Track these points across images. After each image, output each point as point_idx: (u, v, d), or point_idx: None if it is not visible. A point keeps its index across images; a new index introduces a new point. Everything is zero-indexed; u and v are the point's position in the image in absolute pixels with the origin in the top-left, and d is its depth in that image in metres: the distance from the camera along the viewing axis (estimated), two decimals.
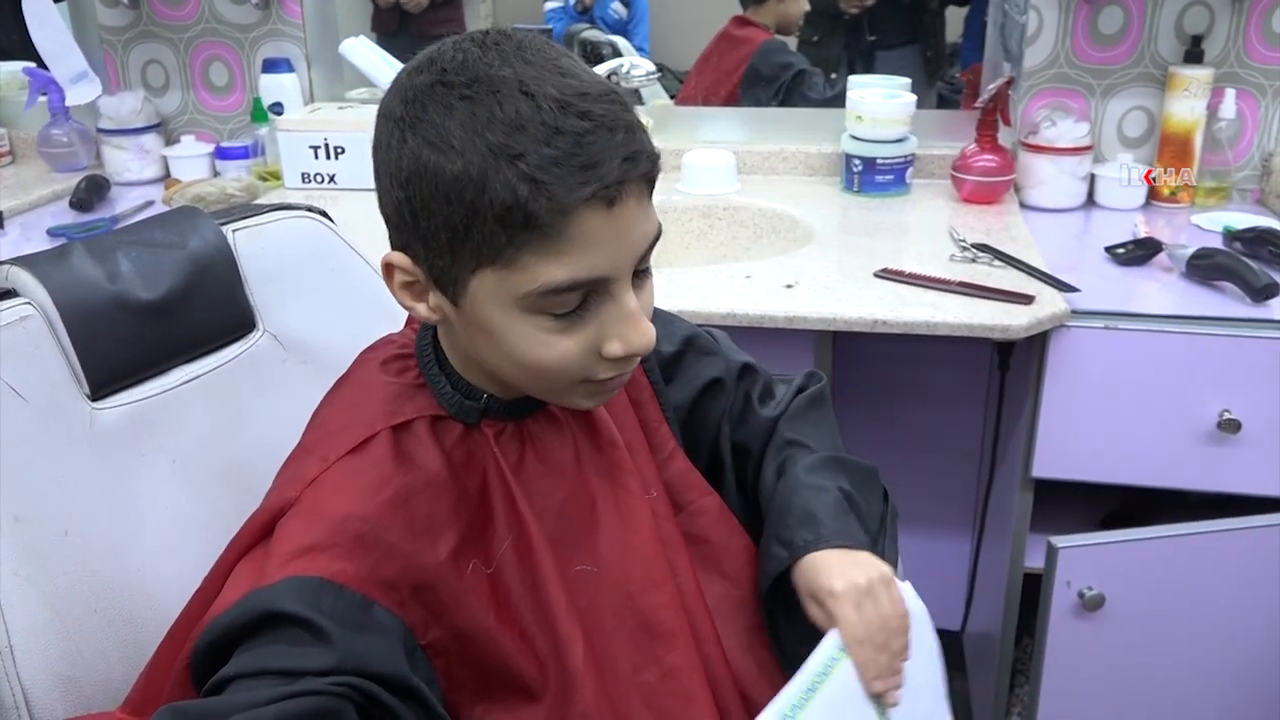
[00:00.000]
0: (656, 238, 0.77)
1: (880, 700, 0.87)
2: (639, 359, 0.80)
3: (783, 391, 1.05)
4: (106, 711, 0.81)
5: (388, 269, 0.78)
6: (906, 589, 0.92)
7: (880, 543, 0.98)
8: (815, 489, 0.94)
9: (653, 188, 0.76)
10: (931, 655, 0.94)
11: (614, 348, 0.76)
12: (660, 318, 1.01)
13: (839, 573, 0.87)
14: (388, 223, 0.77)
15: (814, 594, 0.88)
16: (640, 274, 0.78)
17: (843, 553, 0.89)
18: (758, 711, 0.90)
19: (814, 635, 0.88)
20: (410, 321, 0.91)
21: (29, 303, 0.85)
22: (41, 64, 2.10)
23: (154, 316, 0.90)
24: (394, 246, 0.77)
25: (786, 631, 0.93)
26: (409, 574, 0.77)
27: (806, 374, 1.07)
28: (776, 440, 1.00)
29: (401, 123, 0.72)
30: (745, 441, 1.02)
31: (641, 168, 0.72)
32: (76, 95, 2.11)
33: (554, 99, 0.69)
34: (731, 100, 2.78)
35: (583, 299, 0.74)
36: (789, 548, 0.90)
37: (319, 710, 0.68)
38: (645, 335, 0.76)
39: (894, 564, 0.99)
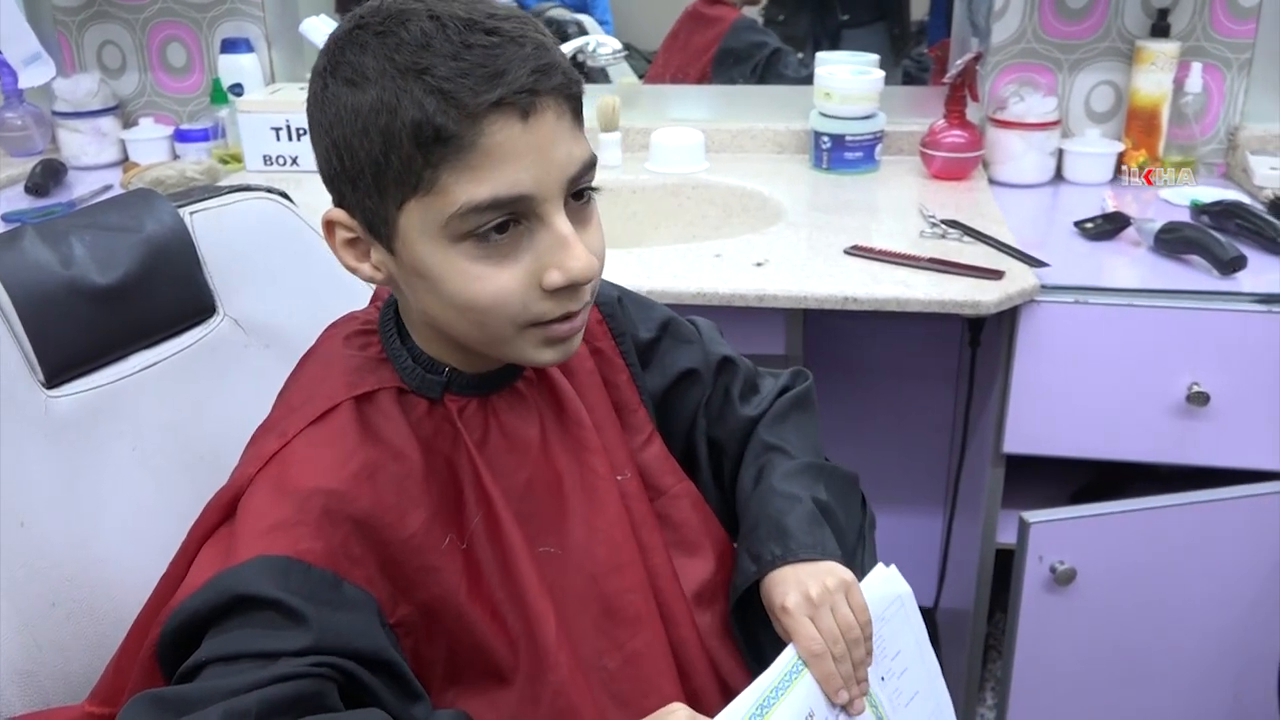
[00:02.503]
0: (591, 165, 0.76)
1: (847, 710, 0.85)
2: (586, 296, 0.77)
3: (768, 387, 1.03)
4: (70, 705, 0.80)
5: (328, 227, 0.78)
6: (891, 572, 0.92)
7: (858, 555, 0.97)
8: (789, 499, 0.92)
9: (577, 110, 0.75)
10: (920, 637, 0.93)
11: (553, 277, 0.74)
12: (638, 302, 1.00)
13: (794, 587, 0.86)
14: (325, 181, 0.77)
15: (771, 611, 0.88)
16: (580, 204, 0.76)
17: (807, 565, 0.87)
18: (733, 695, 0.90)
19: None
20: (375, 299, 0.90)
21: None
22: None
23: (110, 301, 0.88)
24: (333, 205, 0.78)
25: (767, 640, 0.91)
26: (377, 548, 0.76)
27: (793, 372, 1.06)
28: (755, 444, 0.99)
29: (324, 73, 0.74)
30: (722, 439, 1.01)
31: (554, 80, 0.72)
32: (30, 77, 2.05)
33: (460, 19, 0.70)
34: (704, 80, 2.76)
35: (511, 222, 0.72)
36: (757, 561, 0.89)
37: (301, 694, 0.68)
38: (582, 259, 0.74)
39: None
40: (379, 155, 0.71)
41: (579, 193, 0.76)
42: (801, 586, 0.86)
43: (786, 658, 0.84)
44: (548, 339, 0.77)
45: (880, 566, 0.92)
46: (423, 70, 0.69)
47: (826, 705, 0.84)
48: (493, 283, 0.73)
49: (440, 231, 0.72)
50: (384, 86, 0.69)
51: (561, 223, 0.74)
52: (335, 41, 0.74)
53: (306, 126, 0.77)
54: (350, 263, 0.79)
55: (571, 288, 0.75)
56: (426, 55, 0.69)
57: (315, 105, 0.75)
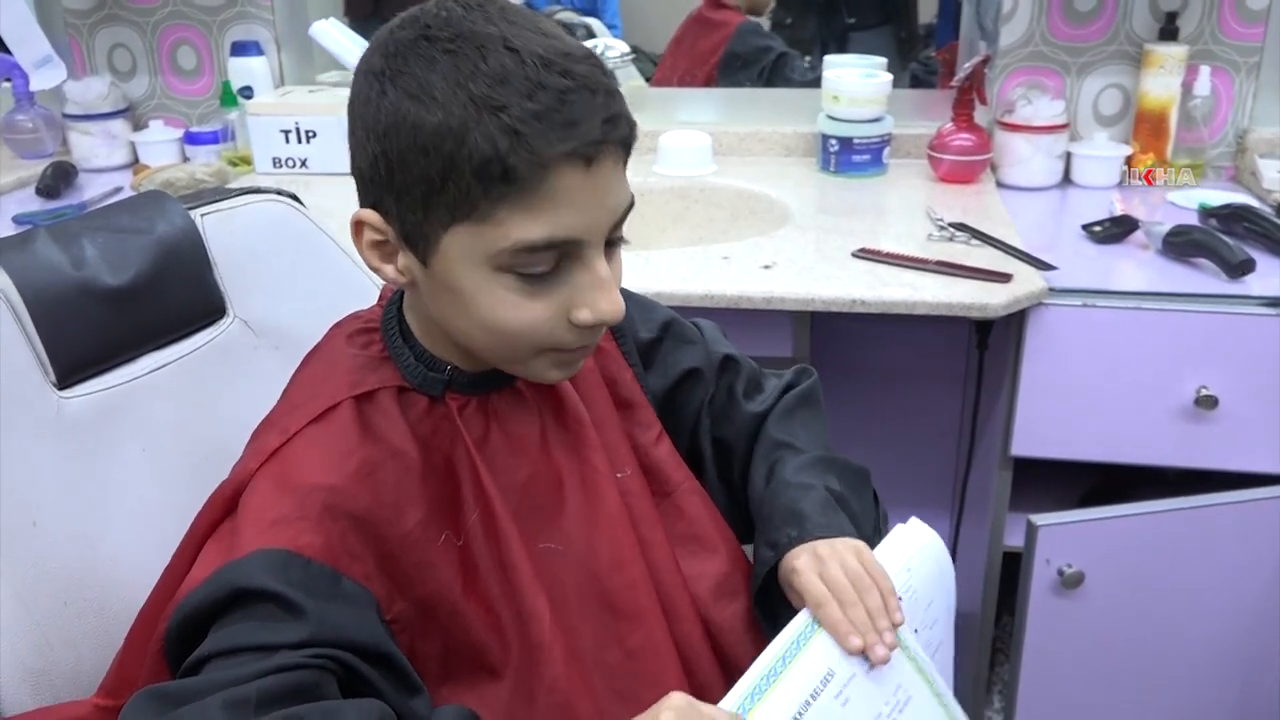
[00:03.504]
0: (629, 208, 0.77)
1: (868, 657, 0.81)
2: (605, 329, 0.79)
3: (772, 385, 1.04)
4: (80, 699, 0.80)
5: (357, 226, 0.77)
6: (913, 524, 0.91)
7: (870, 544, 0.95)
8: (801, 487, 0.92)
9: (629, 155, 0.76)
10: (949, 585, 0.92)
11: (583, 315, 0.76)
12: (639, 303, 1.00)
13: (802, 560, 0.85)
14: (360, 180, 0.76)
15: (786, 585, 0.87)
16: (611, 244, 0.77)
17: (824, 542, 0.86)
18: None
19: None
20: (380, 298, 0.90)
21: None
22: (4, 48, 2.06)
23: (121, 303, 0.89)
24: (364, 205, 0.77)
25: None
26: (376, 544, 0.77)
27: (797, 369, 1.06)
28: (765, 441, 0.98)
29: (382, 76, 0.72)
30: (728, 437, 1.01)
31: (620, 131, 0.73)
32: (41, 80, 2.06)
33: (538, 55, 0.69)
34: (710, 84, 2.76)
35: (555, 262, 0.74)
36: (774, 547, 0.88)
37: (299, 685, 0.68)
38: (615, 304, 0.76)
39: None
40: (435, 177, 0.70)
41: (614, 239, 0.78)
42: (815, 550, 0.85)
43: (798, 623, 0.82)
44: (559, 361, 0.80)
45: (900, 524, 0.91)
46: (499, 107, 0.68)
47: (848, 661, 0.80)
48: (526, 312, 0.75)
49: (484, 260, 0.73)
50: (453, 112, 0.69)
51: (601, 265, 0.75)
52: (396, 46, 0.72)
53: (347, 124, 0.76)
54: (374, 263, 0.78)
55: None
56: (503, 91, 0.68)
57: (366, 106, 0.73)
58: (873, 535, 0.95)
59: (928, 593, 0.90)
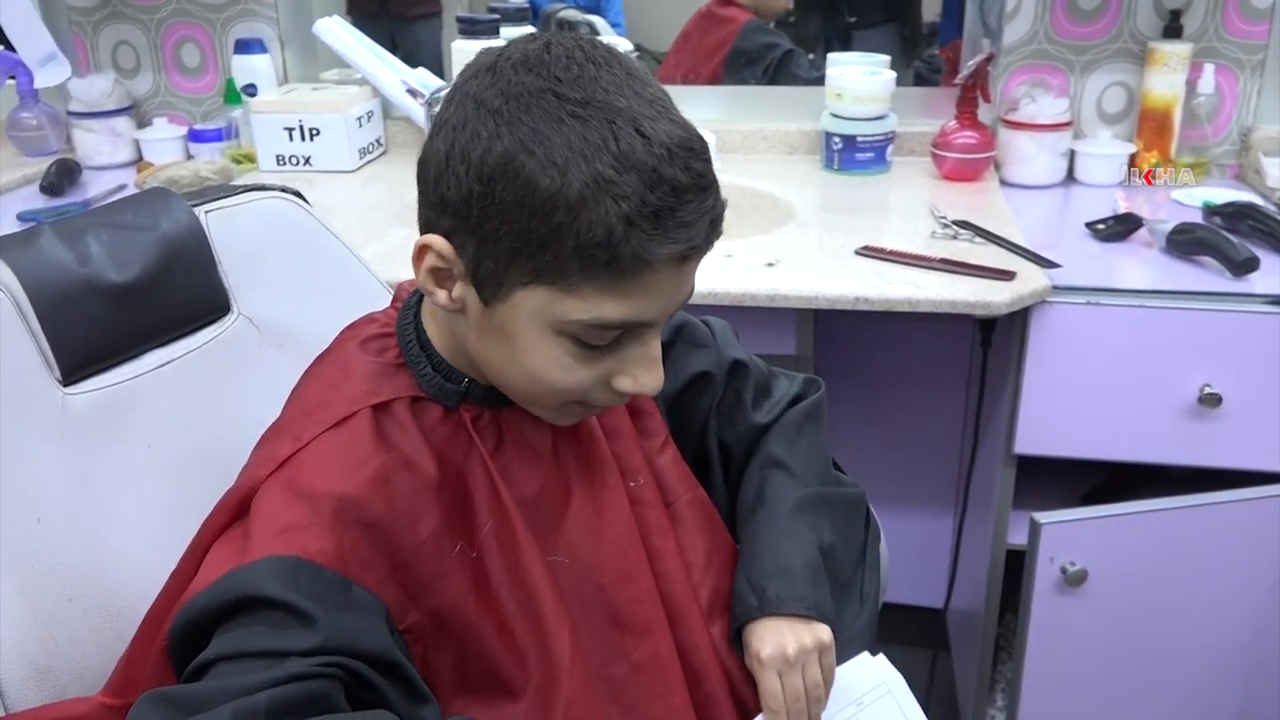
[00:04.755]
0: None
1: None
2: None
3: (781, 390, 1.04)
4: (86, 696, 0.80)
5: (422, 250, 0.75)
6: (878, 660, 0.95)
7: (858, 576, 1.00)
8: (797, 538, 0.94)
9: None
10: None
11: (626, 384, 0.77)
12: None
13: (773, 640, 0.89)
14: (440, 205, 0.73)
15: (747, 651, 0.91)
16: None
17: (798, 621, 0.90)
18: (746, 704, 0.91)
19: None
20: (394, 300, 0.90)
21: None
22: (9, 46, 2.06)
23: (126, 299, 0.89)
24: (431, 228, 0.75)
25: None
26: (388, 553, 0.77)
27: (805, 380, 1.06)
28: (762, 454, 0.99)
29: (499, 116, 0.69)
30: (731, 443, 1.02)
31: (718, 232, 0.74)
32: (45, 78, 2.07)
33: (665, 145, 0.69)
34: (715, 81, 2.75)
35: (617, 336, 0.75)
36: (760, 597, 0.91)
37: (310, 695, 0.68)
38: (658, 380, 0.78)
39: (875, 594, 1.01)
40: (533, 239, 0.69)
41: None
42: (781, 641, 0.89)
43: None
44: (579, 413, 0.83)
45: (866, 655, 0.95)
46: (621, 195, 0.67)
47: None
48: (574, 374, 0.76)
49: (552, 322, 0.73)
50: (571, 184, 0.67)
51: (655, 346, 0.77)
52: (519, 90, 0.69)
53: (437, 144, 0.72)
54: (429, 287, 0.76)
55: None
56: (627, 176, 0.67)
57: (473, 141, 0.70)
58: (856, 566, 1.00)
59: None
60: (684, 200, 0.69)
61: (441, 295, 0.76)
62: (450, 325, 0.81)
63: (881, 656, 0.95)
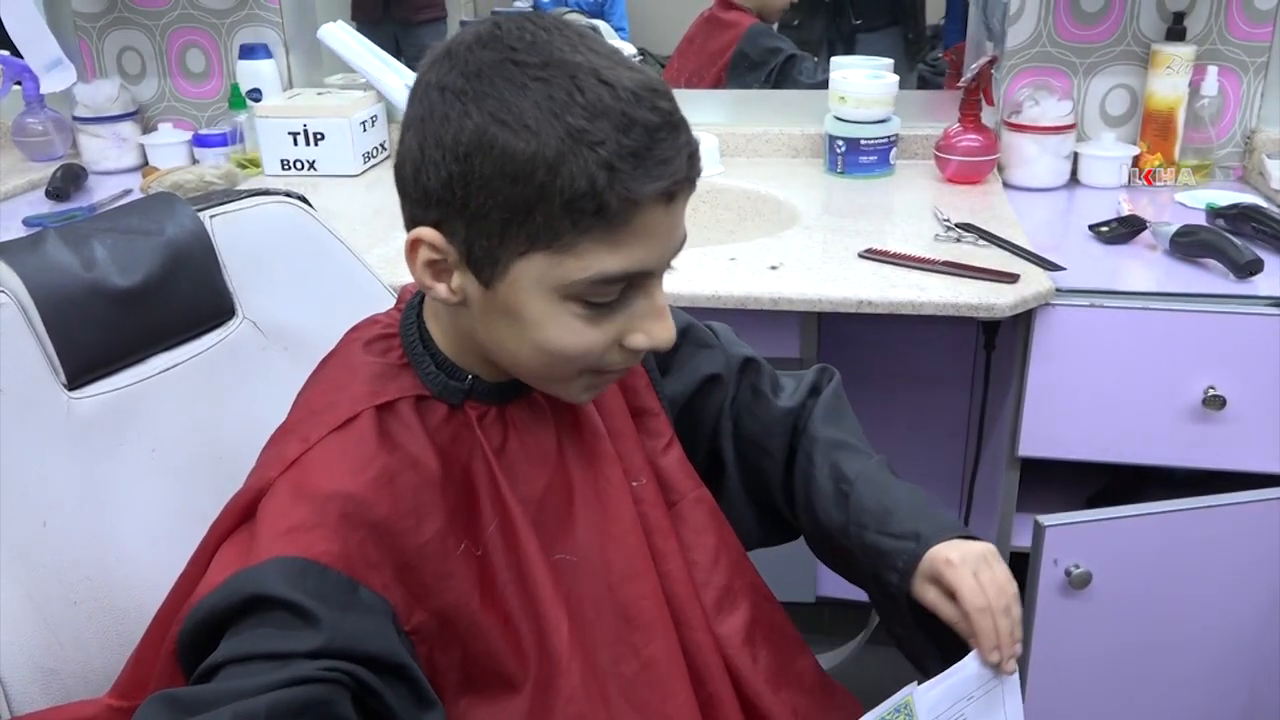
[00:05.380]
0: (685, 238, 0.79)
1: (998, 670, 0.86)
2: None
3: (792, 385, 1.04)
4: (92, 699, 0.81)
5: (414, 245, 0.75)
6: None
7: None
8: (906, 488, 0.95)
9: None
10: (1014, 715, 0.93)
11: (639, 339, 0.77)
12: None
13: (954, 548, 0.88)
14: (422, 197, 0.74)
15: (933, 569, 0.88)
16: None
17: (969, 543, 0.89)
18: (749, 703, 0.90)
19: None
20: (398, 301, 0.90)
21: (2, 291, 0.84)
22: (15, 52, 2.07)
23: (131, 304, 0.89)
24: (419, 221, 0.75)
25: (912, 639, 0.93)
26: (394, 553, 0.77)
27: (818, 369, 1.06)
28: (819, 439, 0.99)
29: (463, 95, 0.70)
30: (758, 434, 1.01)
31: (696, 168, 0.74)
32: (51, 83, 2.07)
33: (630, 89, 0.69)
34: (718, 85, 2.76)
35: (621, 291, 0.75)
36: (915, 539, 0.90)
37: (311, 700, 0.68)
38: (670, 331, 0.78)
39: None
40: (520, 205, 0.70)
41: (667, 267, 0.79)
42: (963, 548, 0.88)
43: (895, 698, 0.85)
44: (594, 384, 0.82)
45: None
46: (596, 142, 0.68)
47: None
48: (585, 337, 0.75)
49: (556, 288, 0.73)
50: (547, 143, 0.68)
51: (660, 294, 0.77)
52: (479, 65, 0.70)
53: (412, 136, 0.73)
54: (426, 281, 0.77)
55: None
56: (600, 125, 0.68)
57: (444, 125, 0.71)
58: None
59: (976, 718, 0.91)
60: (658, 138, 0.70)
61: (441, 289, 0.77)
62: (454, 321, 0.81)
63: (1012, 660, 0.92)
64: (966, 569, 0.86)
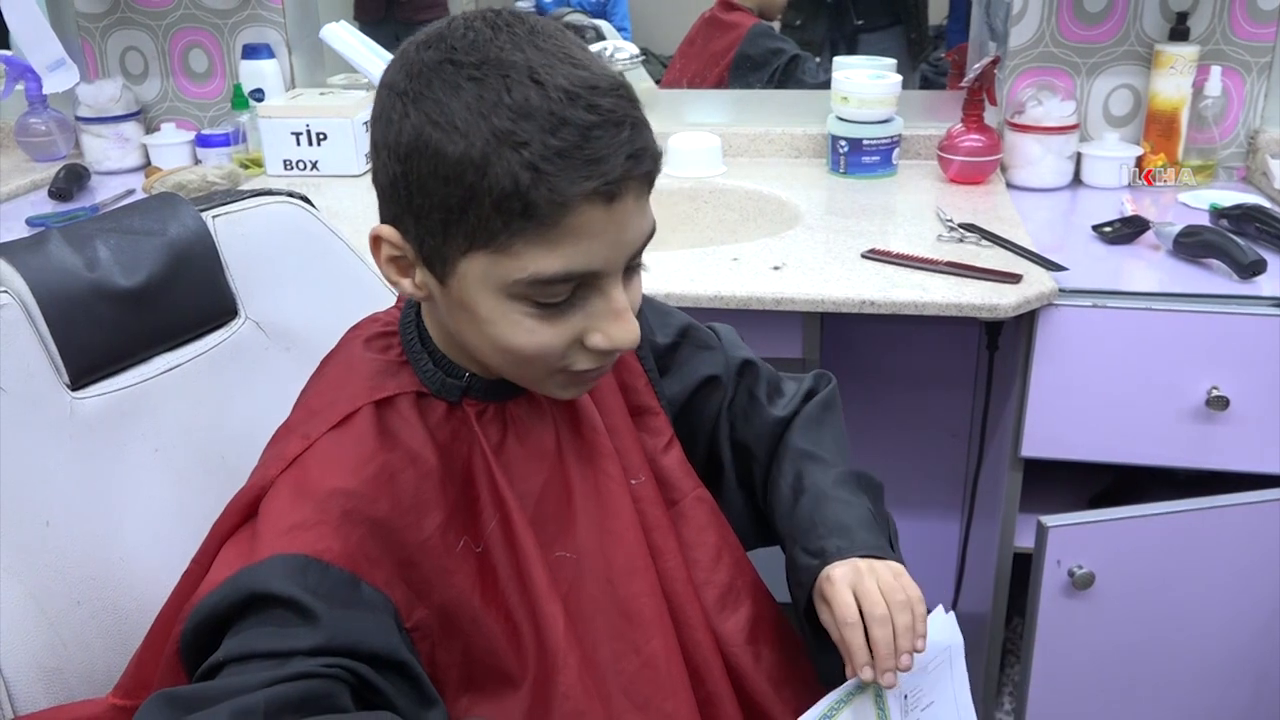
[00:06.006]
0: (650, 235, 0.77)
1: (879, 681, 0.83)
2: (619, 354, 0.79)
3: (792, 390, 1.03)
4: (95, 698, 0.81)
5: (375, 241, 0.77)
6: (949, 619, 0.91)
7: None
8: (844, 502, 0.92)
9: (652, 186, 0.75)
10: (961, 693, 0.92)
11: (597, 340, 0.76)
12: (656, 308, 1.00)
13: (844, 568, 0.85)
14: (381, 194, 0.76)
15: (819, 587, 0.87)
16: (630, 269, 0.78)
17: (864, 560, 0.87)
18: (751, 702, 0.90)
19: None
20: (399, 301, 0.90)
21: (6, 291, 0.84)
22: (18, 52, 2.07)
23: (134, 304, 0.89)
24: (384, 219, 0.77)
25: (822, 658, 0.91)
26: (395, 550, 0.77)
27: (816, 374, 1.06)
28: (791, 449, 0.98)
29: (405, 96, 0.71)
30: (749, 441, 1.01)
31: (644, 166, 0.72)
32: (54, 83, 2.07)
33: (563, 89, 0.68)
34: (721, 86, 2.76)
35: (571, 291, 0.74)
36: (820, 556, 0.88)
37: (310, 694, 0.68)
38: (630, 332, 0.76)
39: None
40: (455, 206, 0.70)
41: (633, 265, 0.78)
42: (854, 565, 0.85)
43: (848, 685, 0.84)
44: (572, 382, 0.80)
45: (938, 611, 0.91)
46: (521, 143, 0.67)
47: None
48: (538, 337, 0.75)
49: (500, 287, 0.73)
50: (474, 144, 0.68)
51: (617, 295, 0.75)
52: (421, 67, 0.71)
53: (370, 141, 0.76)
54: (393, 277, 0.78)
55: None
56: (526, 126, 0.68)
57: (388, 126, 0.72)
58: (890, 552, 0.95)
59: (931, 693, 0.90)
60: (591, 137, 0.68)
61: (406, 284, 0.78)
62: (436, 316, 0.82)
63: (951, 615, 0.91)
64: (844, 584, 0.84)
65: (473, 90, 0.69)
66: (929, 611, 0.88)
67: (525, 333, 0.74)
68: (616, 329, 0.75)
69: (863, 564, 0.86)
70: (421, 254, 0.75)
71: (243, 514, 0.78)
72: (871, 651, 0.83)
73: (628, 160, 0.70)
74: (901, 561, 0.89)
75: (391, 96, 0.72)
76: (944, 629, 0.90)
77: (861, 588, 0.84)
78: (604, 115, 0.69)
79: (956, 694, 0.92)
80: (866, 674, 0.82)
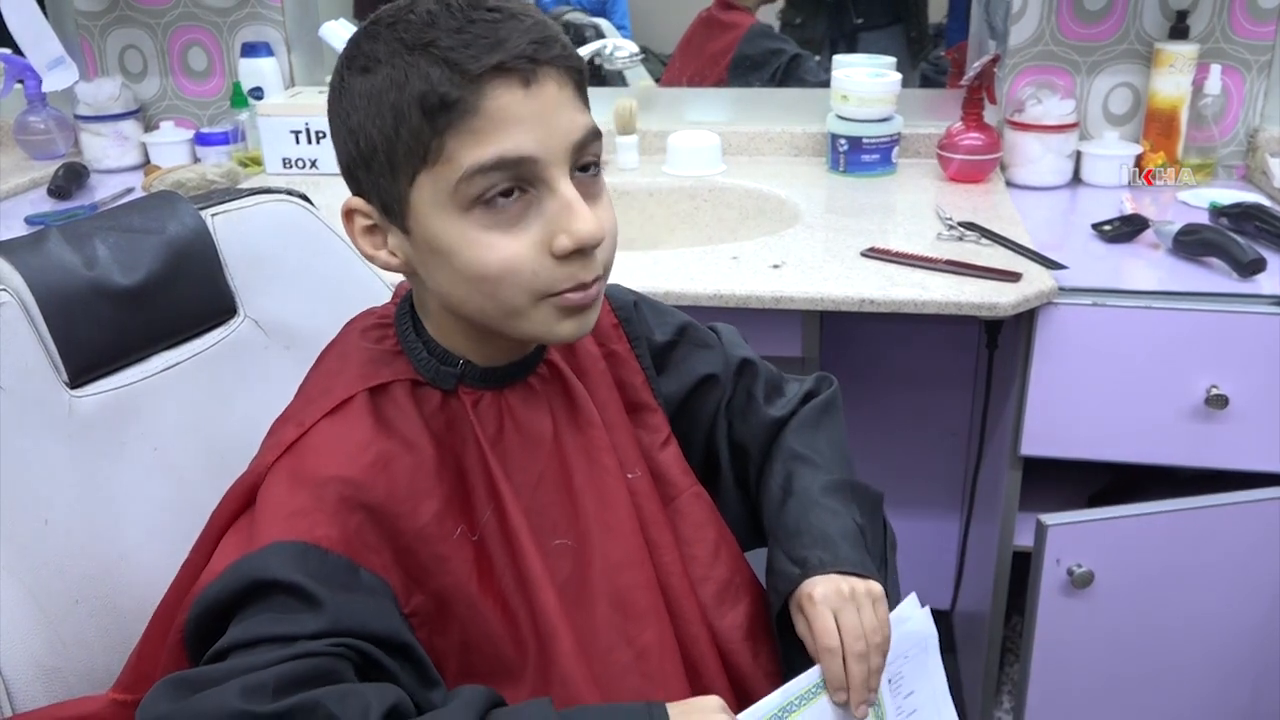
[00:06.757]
0: (595, 135, 0.77)
1: (853, 712, 0.85)
2: (599, 267, 0.78)
3: (793, 391, 1.03)
4: (95, 694, 0.81)
5: (348, 215, 0.80)
6: (924, 612, 0.92)
7: (882, 576, 0.95)
8: (831, 512, 0.92)
9: (580, 84, 0.78)
10: (938, 683, 0.93)
11: (562, 241, 0.75)
12: (654, 307, 1.00)
13: (824, 585, 0.86)
14: (345, 174, 0.80)
15: (798, 601, 0.87)
16: (587, 177, 0.78)
17: (847, 577, 0.87)
18: (748, 698, 0.90)
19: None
20: (395, 295, 0.91)
21: (4, 290, 0.84)
22: (17, 50, 2.07)
23: (132, 302, 0.89)
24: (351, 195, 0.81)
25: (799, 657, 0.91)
26: (392, 537, 0.78)
27: (818, 377, 1.05)
28: (784, 450, 0.98)
29: (340, 69, 0.77)
30: (745, 441, 1.01)
31: (553, 50, 0.75)
32: (53, 81, 2.07)
33: (465, 1, 0.74)
34: (720, 86, 2.75)
35: (518, 189, 0.74)
36: (802, 565, 0.88)
37: (316, 671, 0.69)
38: (590, 223, 0.75)
39: (894, 598, 0.97)
40: (390, 132, 0.73)
41: (585, 166, 0.77)
42: (834, 585, 0.86)
43: (813, 674, 0.85)
44: (563, 309, 0.78)
45: (913, 600, 0.92)
46: (428, 44, 0.72)
47: None
48: (503, 250, 0.74)
49: (450, 200, 0.74)
50: (394, 65, 0.73)
51: (567, 188, 0.75)
52: (352, 40, 0.77)
53: (328, 128, 0.80)
54: (368, 250, 0.81)
55: (581, 253, 0.76)
56: (431, 31, 0.72)
57: (334, 99, 0.78)
58: (879, 567, 0.95)
59: (911, 683, 0.91)
60: (493, 27, 0.72)
61: (383, 254, 0.80)
62: (422, 295, 0.83)
63: (926, 608, 0.92)
64: (826, 607, 0.85)
65: (388, 31, 0.74)
66: (903, 599, 0.91)
67: (487, 249, 0.74)
68: (574, 222, 0.74)
69: (845, 587, 0.86)
70: (383, 208, 0.78)
71: (240, 503, 0.79)
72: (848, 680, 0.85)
73: (532, 45, 0.73)
74: (883, 582, 0.89)
75: (335, 77, 0.78)
76: (922, 620, 0.92)
77: (844, 619, 0.85)
78: (505, 13, 0.74)
79: (934, 683, 0.93)
80: (840, 698, 0.85)
